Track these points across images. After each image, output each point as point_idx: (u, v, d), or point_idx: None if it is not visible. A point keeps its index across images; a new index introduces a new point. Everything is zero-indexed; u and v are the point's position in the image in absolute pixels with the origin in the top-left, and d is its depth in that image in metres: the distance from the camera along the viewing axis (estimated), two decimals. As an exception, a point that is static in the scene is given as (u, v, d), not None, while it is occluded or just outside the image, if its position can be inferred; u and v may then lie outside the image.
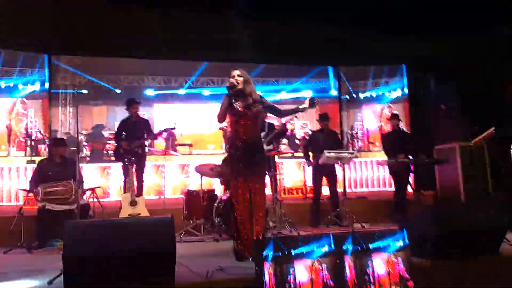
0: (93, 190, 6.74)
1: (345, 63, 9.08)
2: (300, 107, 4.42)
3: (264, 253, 3.20)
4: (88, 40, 7.95)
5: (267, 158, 5.55)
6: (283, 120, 6.21)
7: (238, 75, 4.28)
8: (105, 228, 3.09)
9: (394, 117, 7.55)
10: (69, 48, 8.00)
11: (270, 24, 8.47)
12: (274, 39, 8.68)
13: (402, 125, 7.91)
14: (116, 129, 7.56)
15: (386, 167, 8.00)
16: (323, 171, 7.09)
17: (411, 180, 7.64)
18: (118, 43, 8.09)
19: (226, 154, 4.54)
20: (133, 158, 6.64)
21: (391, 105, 9.07)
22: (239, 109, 4.22)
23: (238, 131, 4.26)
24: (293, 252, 3.28)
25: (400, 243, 3.55)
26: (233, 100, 4.22)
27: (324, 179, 7.21)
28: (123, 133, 7.09)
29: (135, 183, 6.81)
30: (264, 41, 8.44)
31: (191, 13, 8.22)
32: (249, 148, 4.23)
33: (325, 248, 3.37)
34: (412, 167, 7.36)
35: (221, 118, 4.25)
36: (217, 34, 8.47)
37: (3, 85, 7.50)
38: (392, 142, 7.41)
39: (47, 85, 7.86)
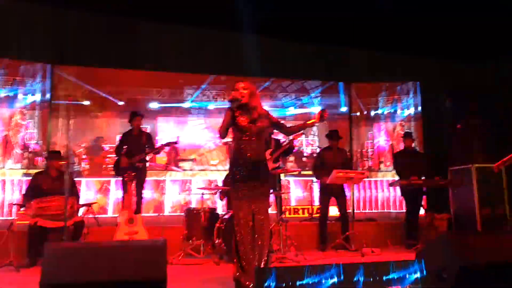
0: (89, 205, 6.49)
1: (357, 79, 8.80)
2: (309, 122, 4.11)
3: (267, 284, 2.86)
4: (92, 51, 7.80)
5: (272, 177, 5.24)
6: (290, 136, 5.91)
7: (243, 88, 3.99)
8: (89, 252, 2.77)
9: (407, 136, 7.22)
10: (73, 59, 7.80)
11: (279, 39, 8.26)
12: (282, 54, 8.46)
13: (414, 144, 7.56)
14: (117, 142, 7.31)
15: (398, 188, 7.62)
16: (331, 191, 6.75)
17: (423, 202, 7.27)
18: (123, 55, 7.94)
19: (228, 171, 4.20)
20: (133, 173, 6.34)
21: (403, 123, 8.70)
22: (243, 124, 3.92)
23: (242, 148, 3.95)
24: (298, 283, 2.93)
25: (417, 275, 3.19)
26: (237, 114, 3.92)
27: (330, 199, 6.87)
28: (124, 146, 6.87)
29: (134, 199, 6.51)
30: (273, 56, 8.22)
31: (199, 28, 8.06)
32: (253, 166, 3.92)
33: (334, 280, 3.01)
34: (424, 188, 7.00)
35: (223, 133, 3.95)
36: (224, 48, 8.30)
37: (2, 95, 7.24)
38: (404, 162, 7.08)
39: (48, 95, 7.66)
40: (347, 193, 6.77)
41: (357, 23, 7.51)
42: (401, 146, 7.67)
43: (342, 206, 6.74)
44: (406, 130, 8.18)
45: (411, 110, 8.69)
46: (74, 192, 5.95)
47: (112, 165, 7.15)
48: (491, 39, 7.61)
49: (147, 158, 6.97)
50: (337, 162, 6.78)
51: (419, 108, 8.64)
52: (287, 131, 4.30)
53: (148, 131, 7.50)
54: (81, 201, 6.53)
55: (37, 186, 5.78)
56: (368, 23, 7.56)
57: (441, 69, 8.66)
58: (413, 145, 7.34)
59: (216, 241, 5.57)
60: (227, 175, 4.08)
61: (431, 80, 8.63)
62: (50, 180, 5.83)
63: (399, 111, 8.82)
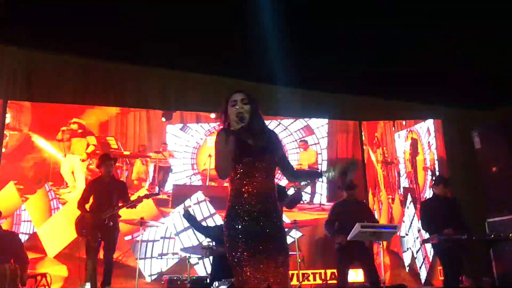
0: (41, 276, 5.00)
1: (372, 118, 7.62)
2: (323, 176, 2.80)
3: None
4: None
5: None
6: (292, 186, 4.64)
7: (243, 101, 2.72)
8: None
9: (440, 182, 5.90)
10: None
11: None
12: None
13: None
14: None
15: (429, 245, 6.23)
16: (352, 252, 5.36)
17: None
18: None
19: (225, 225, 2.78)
20: (102, 234, 4.96)
21: (425, 166, 7.42)
22: (250, 158, 2.63)
23: (245, 189, 2.62)
24: None
25: None
26: (237, 140, 2.63)
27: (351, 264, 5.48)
28: (91, 197, 5.56)
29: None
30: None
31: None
32: (263, 214, 2.59)
33: None
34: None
35: (227, 169, 2.60)
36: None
37: None
38: (437, 213, 5.75)
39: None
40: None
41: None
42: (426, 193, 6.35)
43: (370, 269, 5.34)
44: (438, 174, 6.83)
45: (433, 152, 7.41)
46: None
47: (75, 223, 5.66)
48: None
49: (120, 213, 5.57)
50: (357, 217, 5.45)
51: (443, 150, 7.39)
52: (292, 174, 2.94)
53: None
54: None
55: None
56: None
57: (462, 107, 7.60)
58: (443, 192, 6.00)
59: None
60: (224, 231, 2.72)
61: (452, 119, 7.54)
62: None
63: (420, 153, 7.53)
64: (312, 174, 3.02)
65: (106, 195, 5.54)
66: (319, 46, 6.25)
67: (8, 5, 5.31)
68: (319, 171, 3.07)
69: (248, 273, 2.50)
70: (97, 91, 6.61)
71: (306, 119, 7.68)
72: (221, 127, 2.76)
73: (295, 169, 2.94)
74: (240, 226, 2.57)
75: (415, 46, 6.22)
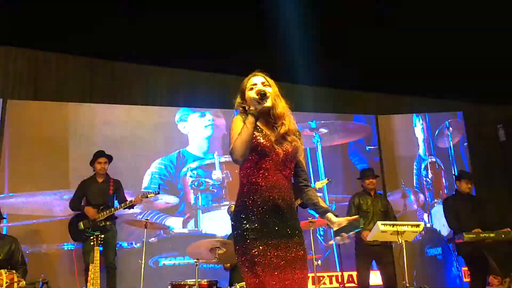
0: (42, 282, 4.71)
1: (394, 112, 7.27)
2: (333, 226, 2.34)
3: None
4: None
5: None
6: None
7: (263, 83, 2.38)
8: None
9: (463, 177, 5.53)
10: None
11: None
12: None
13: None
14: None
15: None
16: (371, 252, 5.00)
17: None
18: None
19: (234, 223, 2.42)
20: (101, 236, 4.73)
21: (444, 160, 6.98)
22: (268, 144, 2.29)
23: (258, 182, 2.28)
24: None
25: None
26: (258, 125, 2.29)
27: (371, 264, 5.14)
28: (83, 198, 5.30)
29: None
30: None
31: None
32: (281, 213, 2.26)
33: None
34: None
35: (243, 152, 2.19)
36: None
37: None
38: (461, 210, 5.38)
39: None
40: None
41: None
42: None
43: (387, 274, 4.97)
44: (460, 170, 6.41)
45: (455, 146, 6.99)
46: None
47: (68, 226, 5.34)
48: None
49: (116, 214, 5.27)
50: (377, 213, 5.11)
51: (465, 144, 6.97)
52: (301, 189, 2.44)
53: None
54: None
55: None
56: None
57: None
58: (466, 189, 5.61)
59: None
60: (232, 231, 2.37)
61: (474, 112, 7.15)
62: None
63: (439, 147, 7.10)
64: (322, 213, 2.49)
65: (100, 195, 5.27)
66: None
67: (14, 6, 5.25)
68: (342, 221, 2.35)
69: (259, 274, 2.17)
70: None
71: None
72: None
73: (308, 185, 2.43)
74: (250, 225, 2.24)
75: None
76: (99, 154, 5.42)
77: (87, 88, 6.55)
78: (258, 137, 2.28)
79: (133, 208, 5.30)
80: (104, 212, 5.11)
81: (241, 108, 2.41)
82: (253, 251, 2.20)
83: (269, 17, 5.73)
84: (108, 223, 5.12)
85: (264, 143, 2.28)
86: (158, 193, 5.21)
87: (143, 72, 6.79)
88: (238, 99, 2.44)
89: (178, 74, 6.94)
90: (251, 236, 2.22)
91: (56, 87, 6.38)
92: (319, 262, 4.88)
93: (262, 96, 2.25)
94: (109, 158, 5.45)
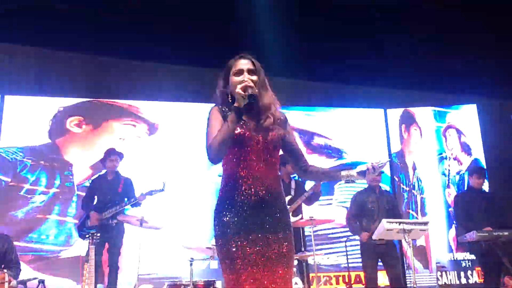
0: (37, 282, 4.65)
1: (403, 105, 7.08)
2: (350, 172, 2.23)
3: None
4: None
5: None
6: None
7: (250, 70, 2.21)
8: None
9: (476, 172, 5.29)
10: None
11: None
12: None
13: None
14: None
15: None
16: (378, 250, 4.81)
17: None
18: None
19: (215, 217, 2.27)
20: (105, 234, 4.77)
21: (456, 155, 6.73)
22: (247, 133, 2.14)
23: (241, 174, 2.14)
24: None
25: None
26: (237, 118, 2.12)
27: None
28: (95, 196, 5.25)
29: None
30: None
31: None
32: (264, 206, 2.12)
33: None
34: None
35: (220, 150, 2.08)
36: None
37: None
38: (473, 207, 5.14)
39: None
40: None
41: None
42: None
43: (394, 275, 4.77)
44: (472, 164, 6.16)
45: (467, 139, 6.74)
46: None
47: (76, 224, 5.30)
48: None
49: (125, 211, 5.17)
50: (384, 210, 4.91)
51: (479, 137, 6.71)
52: (305, 170, 2.32)
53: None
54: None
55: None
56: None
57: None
58: (482, 185, 5.38)
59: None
60: (213, 225, 2.23)
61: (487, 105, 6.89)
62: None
63: (450, 141, 6.85)
64: (335, 172, 2.36)
65: (110, 192, 5.20)
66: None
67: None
68: (351, 174, 2.25)
69: (237, 270, 2.03)
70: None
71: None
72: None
73: (309, 164, 2.31)
74: (230, 218, 2.10)
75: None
76: (111, 151, 5.36)
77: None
78: (242, 128, 2.14)
79: (139, 205, 5.17)
80: (110, 210, 5.03)
81: (224, 96, 2.26)
82: (232, 246, 2.06)
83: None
84: (114, 221, 5.03)
85: (241, 132, 2.13)
86: (162, 190, 5.10)
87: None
88: (221, 83, 2.29)
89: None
90: (231, 231, 2.09)
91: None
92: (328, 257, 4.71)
93: (250, 97, 2.09)
94: (120, 156, 5.38)
